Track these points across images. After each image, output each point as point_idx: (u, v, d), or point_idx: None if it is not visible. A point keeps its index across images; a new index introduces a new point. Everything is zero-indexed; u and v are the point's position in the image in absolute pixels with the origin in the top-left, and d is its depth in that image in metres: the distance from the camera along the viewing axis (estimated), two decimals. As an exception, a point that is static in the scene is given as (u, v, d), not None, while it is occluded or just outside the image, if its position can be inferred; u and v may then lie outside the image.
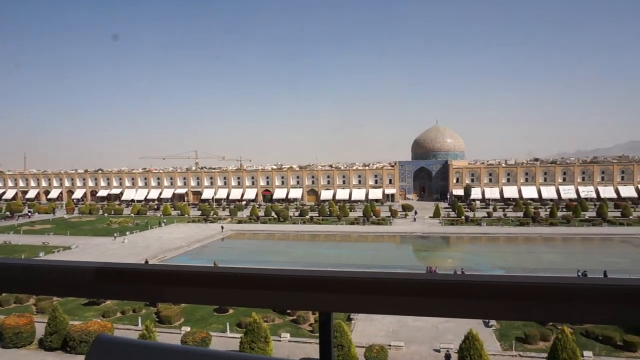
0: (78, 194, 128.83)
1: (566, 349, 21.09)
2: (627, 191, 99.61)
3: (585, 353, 24.91)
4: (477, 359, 21.87)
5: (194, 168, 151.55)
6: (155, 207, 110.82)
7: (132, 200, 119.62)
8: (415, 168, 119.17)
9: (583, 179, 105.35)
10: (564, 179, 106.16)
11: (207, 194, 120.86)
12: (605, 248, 59.00)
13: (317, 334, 1.07)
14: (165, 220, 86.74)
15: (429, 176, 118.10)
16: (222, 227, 76.84)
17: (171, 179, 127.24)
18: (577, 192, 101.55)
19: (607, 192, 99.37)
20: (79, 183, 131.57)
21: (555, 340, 21.87)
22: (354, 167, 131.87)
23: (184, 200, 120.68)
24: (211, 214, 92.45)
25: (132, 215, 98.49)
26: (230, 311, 34.46)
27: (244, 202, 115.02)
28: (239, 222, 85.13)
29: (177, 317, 33.03)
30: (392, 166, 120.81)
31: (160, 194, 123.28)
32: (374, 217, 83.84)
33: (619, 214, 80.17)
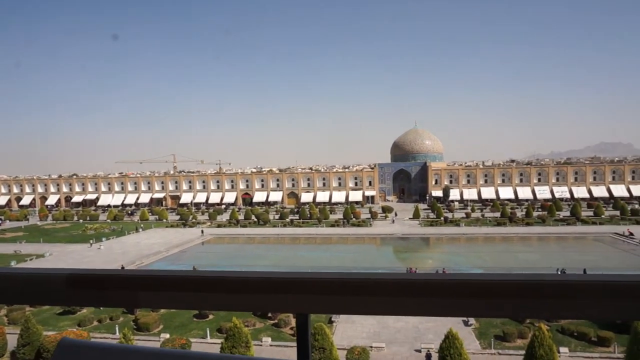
0: (52, 200, 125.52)
1: (543, 345, 21.47)
2: (599, 191, 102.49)
3: (562, 349, 25.45)
4: (457, 358, 22.06)
5: (172, 172, 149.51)
6: (130, 212, 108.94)
7: (109, 206, 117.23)
8: (395, 170, 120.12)
9: (557, 179, 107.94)
10: (539, 180, 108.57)
11: (186, 198, 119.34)
12: (579, 246, 60.47)
13: (296, 334, 1.07)
14: (142, 225, 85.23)
15: (408, 178, 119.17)
16: (202, 231, 75.98)
17: (149, 183, 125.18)
18: (552, 192, 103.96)
19: (580, 192, 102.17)
20: (52, 189, 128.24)
21: (533, 337, 22.24)
22: (334, 170, 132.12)
23: (162, 205, 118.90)
24: (190, 219, 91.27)
25: (109, 221, 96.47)
26: (211, 316, 34.03)
27: (223, 206, 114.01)
28: (219, 226, 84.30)
29: (155, 324, 32.42)
30: (372, 168, 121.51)
31: (138, 198, 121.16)
32: (354, 219, 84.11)
33: (591, 213, 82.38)
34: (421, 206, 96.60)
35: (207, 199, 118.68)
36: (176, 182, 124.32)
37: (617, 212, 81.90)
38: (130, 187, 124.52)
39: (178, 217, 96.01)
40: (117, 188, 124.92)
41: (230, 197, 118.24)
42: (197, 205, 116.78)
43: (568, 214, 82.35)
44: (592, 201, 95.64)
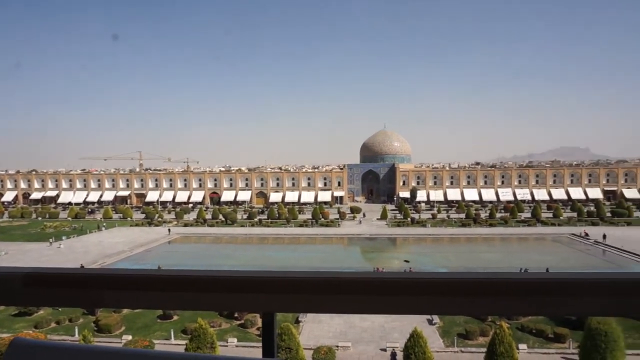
0: (8, 196, 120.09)
1: (503, 343, 22.16)
2: (558, 194, 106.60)
3: (521, 346, 26.30)
4: (421, 356, 22.48)
5: (137, 169, 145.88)
6: (90, 210, 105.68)
7: (70, 203, 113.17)
8: (364, 171, 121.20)
9: (519, 182, 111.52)
10: (502, 182, 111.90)
11: (152, 196, 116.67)
12: (538, 247, 62.68)
13: (262, 333, 1.06)
14: (104, 223, 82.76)
15: (377, 179, 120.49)
16: (170, 230, 74.56)
17: (113, 180, 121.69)
18: (514, 194, 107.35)
19: (541, 194, 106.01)
20: (9, 185, 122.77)
21: (494, 335, 22.92)
22: (303, 170, 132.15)
23: (126, 203, 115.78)
24: (156, 217, 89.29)
25: (70, 219, 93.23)
26: (175, 317, 33.41)
27: (190, 205, 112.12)
28: (186, 225, 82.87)
29: (117, 326, 31.56)
30: (341, 169, 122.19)
31: (101, 196, 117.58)
32: (322, 219, 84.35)
33: (551, 214, 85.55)
34: (389, 207, 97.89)
35: (174, 197, 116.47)
36: (142, 180, 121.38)
37: (575, 214, 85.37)
38: (93, 185, 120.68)
39: (143, 215, 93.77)
40: (79, 185, 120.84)
41: (198, 196, 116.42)
42: (164, 203, 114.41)
43: (529, 215, 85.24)
44: (551, 203, 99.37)
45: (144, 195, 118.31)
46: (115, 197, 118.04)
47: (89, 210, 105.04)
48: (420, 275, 0.94)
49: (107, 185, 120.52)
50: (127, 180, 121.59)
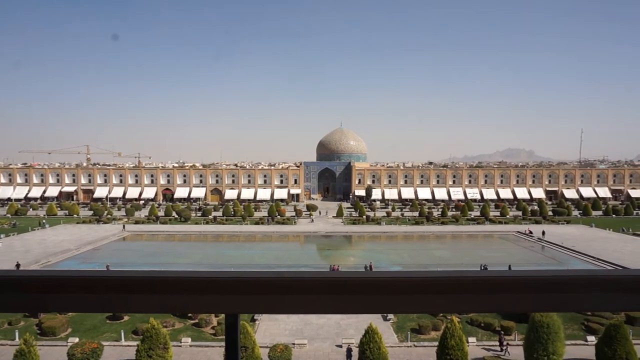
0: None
1: (454, 336, 22.97)
2: (505, 193, 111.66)
3: (470, 339, 27.38)
4: (376, 352, 22.88)
5: (85, 164, 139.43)
6: (29, 206, 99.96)
7: (9, 199, 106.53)
8: (320, 169, 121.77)
9: (470, 181, 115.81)
10: (454, 182, 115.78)
11: (101, 192, 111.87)
12: (487, 244, 65.38)
13: (220, 337, 1.05)
14: (46, 221, 78.52)
15: (333, 177, 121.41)
16: (124, 226, 72.29)
17: (58, 175, 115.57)
18: (465, 193, 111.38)
19: (489, 194, 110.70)
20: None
21: (445, 329, 23.70)
22: (260, 167, 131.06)
23: (72, 199, 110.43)
24: (105, 214, 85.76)
25: (9, 216, 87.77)
26: (126, 318, 32.23)
27: (142, 202, 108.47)
28: (136, 222, 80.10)
29: (63, 328, 30.05)
30: (298, 166, 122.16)
31: (44, 192, 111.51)
32: (279, 216, 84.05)
33: (498, 213, 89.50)
34: (345, 205, 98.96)
35: (124, 193, 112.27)
36: (90, 175, 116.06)
37: (520, 213, 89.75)
38: (35, 179, 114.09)
39: (91, 212, 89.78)
40: (20, 180, 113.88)
41: (149, 193, 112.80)
42: (113, 200, 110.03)
43: (478, 213, 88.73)
44: (499, 202, 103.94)
45: (91, 191, 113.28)
46: (60, 192, 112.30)
47: (37, 206, 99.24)
48: (380, 274, 0.95)
49: (51, 180, 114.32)
50: (74, 175, 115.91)
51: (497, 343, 27.63)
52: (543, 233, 64.78)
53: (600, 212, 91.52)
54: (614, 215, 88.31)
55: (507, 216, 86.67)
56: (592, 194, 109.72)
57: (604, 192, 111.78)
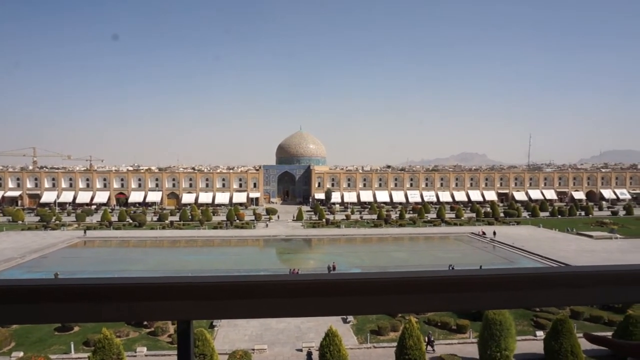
0: None
1: (412, 336, 23.42)
2: (460, 195, 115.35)
3: (427, 339, 27.97)
4: (336, 354, 22.97)
5: (31, 167, 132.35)
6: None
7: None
8: (280, 172, 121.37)
9: (426, 184, 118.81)
10: (411, 185, 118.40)
11: (48, 197, 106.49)
12: (443, 245, 67.19)
13: (177, 342, 1.01)
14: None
15: (293, 180, 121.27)
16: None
17: (0, 179, 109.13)
18: (422, 196, 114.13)
19: (445, 196, 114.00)
20: None
21: (404, 329, 24.13)
22: (218, 170, 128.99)
23: (17, 205, 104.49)
24: (53, 220, 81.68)
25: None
26: (76, 328, 30.78)
27: (94, 207, 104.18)
28: (88, 228, 76.77)
29: (6, 342, 28.27)
30: (257, 170, 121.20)
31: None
32: (238, 221, 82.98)
33: (453, 215, 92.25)
34: (304, 208, 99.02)
35: (75, 198, 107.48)
36: (36, 179, 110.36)
37: (474, 215, 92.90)
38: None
39: (38, 218, 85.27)
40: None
41: (102, 197, 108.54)
42: (62, 205, 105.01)
43: (435, 216, 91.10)
44: (454, 204, 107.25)
45: (38, 196, 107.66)
46: (3, 197, 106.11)
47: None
48: (339, 276, 0.94)
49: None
50: (18, 179, 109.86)
51: (455, 341, 28.41)
52: (494, 233, 67.38)
53: (547, 213, 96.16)
54: (559, 216, 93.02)
55: (462, 218, 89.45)
56: (539, 196, 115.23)
57: (550, 194, 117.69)
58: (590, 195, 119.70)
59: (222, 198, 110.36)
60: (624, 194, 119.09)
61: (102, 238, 70.04)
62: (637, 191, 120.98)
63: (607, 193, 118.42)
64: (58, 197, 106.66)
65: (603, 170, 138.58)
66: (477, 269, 1.06)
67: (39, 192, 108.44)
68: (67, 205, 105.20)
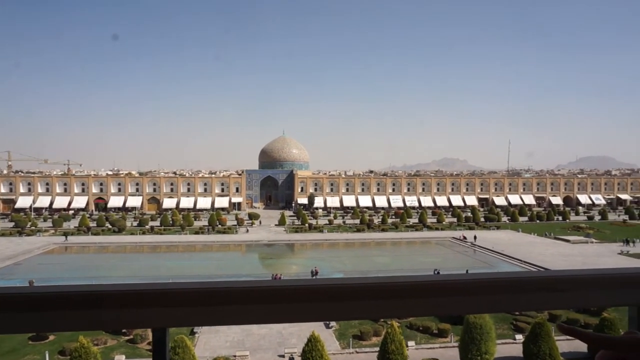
0: None
1: (394, 341, 23.48)
2: (441, 200, 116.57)
3: (409, 343, 28.09)
4: (318, 360, 22.85)
5: (5, 172, 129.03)
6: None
7: None
8: (262, 177, 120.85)
9: (408, 189, 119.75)
10: (393, 190, 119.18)
11: (24, 202, 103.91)
12: (424, 249, 67.68)
13: (152, 350, 0.99)
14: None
15: (276, 185, 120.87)
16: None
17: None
18: (404, 201, 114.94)
19: (427, 201, 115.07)
20: None
21: (386, 334, 24.18)
22: (200, 175, 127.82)
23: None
24: (28, 226, 79.65)
25: None
26: (51, 337, 29.98)
27: (71, 212, 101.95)
28: (65, 234, 75.06)
29: (-23, 351, 27.38)
30: (239, 174, 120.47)
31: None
32: (220, 226, 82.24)
33: (435, 220, 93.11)
34: (287, 213, 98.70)
35: (52, 203, 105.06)
36: (11, 184, 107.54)
37: (455, 219, 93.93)
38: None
39: (12, 224, 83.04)
40: None
41: (80, 202, 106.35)
42: (38, 210, 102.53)
43: (417, 220, 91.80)
44: (436, 209, 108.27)
45: (13, 201, 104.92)
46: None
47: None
48: (322, 282, 0.93)
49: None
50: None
51: (436, 345, 28.58)
52: (475, 238, 68.21)
53: (526, 218, 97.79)
54: (538, 221, 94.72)
55: (443, 223, 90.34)
56: (518, 201, 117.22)
57: (529, 199, 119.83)
58: (567, 200, 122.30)
59: (204, 203, 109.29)
60: (599, 199, 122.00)
61: (82, 244, 68.58)
62: (612, 196, 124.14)
63: (583, 198, 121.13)
64: (34, 202, 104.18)
65: (579, 176, 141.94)
66: (461, 273, 1.04)
67: (13, 197, 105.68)
68: (44, 211, 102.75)
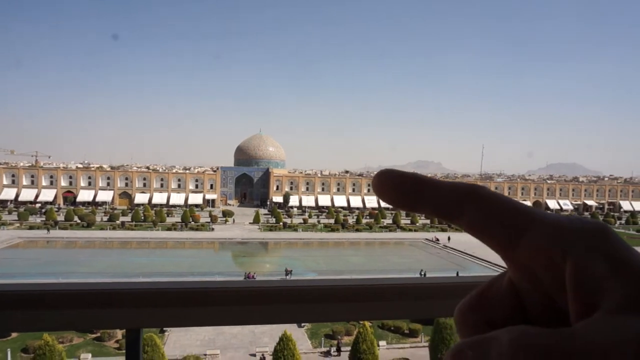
0: None
1: (366, 341, 23.68)
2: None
3: (381, 343, 28.33)
4: (290, 359, 22.83)
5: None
6: None
7: None
8: (237, 174, 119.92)
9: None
10: (369, 190, 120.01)
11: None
12: (397, 250, 68.49)
13: (125, 351, 0.97)
14: None
15: (251, 183, 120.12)
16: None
17: None
18: (378, 201, 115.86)
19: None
20: None
21: (358, 334, 24.34)
22: (174, 170, 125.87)
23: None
24: (-8, 219, 76.78)
25: None
26: (14, 335, 28.95)
27: (38, 205, 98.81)
28: (31, 227, 72.72)
29: None
30: (214, 171, 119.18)
31: None
32: (193, 222, 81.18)
33: (409, 221, 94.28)
34: (262, 211, 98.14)
35: (17, 195, 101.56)
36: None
37: (429, 221, 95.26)
38: None
39: (-26, 216, 79.89)
40: None
41: (48, 195, 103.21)
42: (3, 203, 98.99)
43: (391, 221, 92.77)
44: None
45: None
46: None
47: None
48: (297, 283, 0.92)
49: None
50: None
51: (407, 345, 28.92)
52: (449, 239, 69.28)
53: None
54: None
55: (417, 224, 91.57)
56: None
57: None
58: (536, 205, 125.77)
59: (177, 199, 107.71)
60: (567, 204, 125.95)
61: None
62: (579, 202, 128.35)
63: (552, 203, 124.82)
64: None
65: (549, 181, 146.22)
66: (435, 276, 1.06)
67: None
68: (9, 203, 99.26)
